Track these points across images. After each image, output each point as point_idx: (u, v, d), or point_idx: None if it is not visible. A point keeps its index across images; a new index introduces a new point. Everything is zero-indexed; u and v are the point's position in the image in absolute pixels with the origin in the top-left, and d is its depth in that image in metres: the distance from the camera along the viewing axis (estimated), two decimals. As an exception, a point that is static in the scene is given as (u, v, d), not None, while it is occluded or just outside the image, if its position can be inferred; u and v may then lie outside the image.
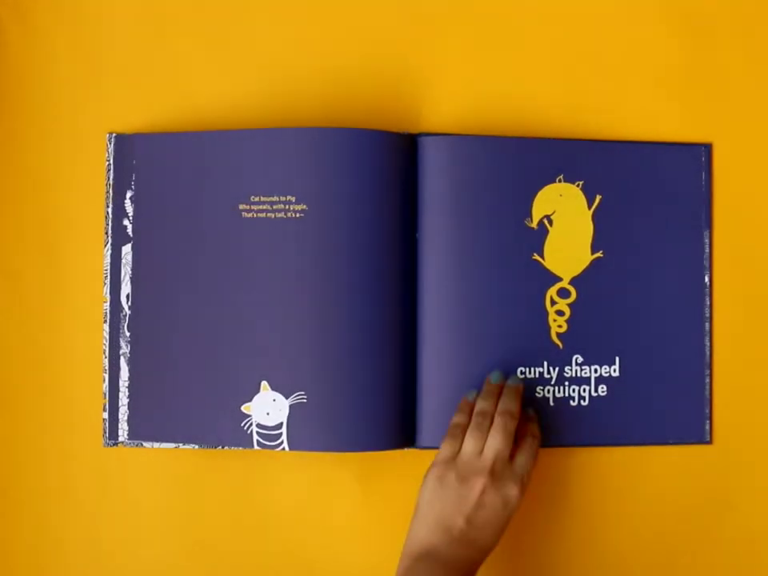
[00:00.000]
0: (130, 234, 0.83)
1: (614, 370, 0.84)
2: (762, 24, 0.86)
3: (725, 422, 0.85)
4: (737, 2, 0.86)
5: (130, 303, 0.83)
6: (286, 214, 0.81)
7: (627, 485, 0.85)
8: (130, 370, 0.82)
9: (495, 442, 0.76)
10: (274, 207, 0.81)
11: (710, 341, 0.85)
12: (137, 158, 0.83)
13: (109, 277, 0.83)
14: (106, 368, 0.83)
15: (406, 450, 0.83)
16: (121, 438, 0.82)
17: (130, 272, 0.83)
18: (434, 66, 0.86)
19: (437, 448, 0.81)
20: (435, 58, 0.86)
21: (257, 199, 0.81)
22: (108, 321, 0.83)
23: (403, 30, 0.86)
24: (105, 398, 0.83)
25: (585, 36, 0.86)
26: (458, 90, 0.86)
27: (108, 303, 0.83)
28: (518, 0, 0.86)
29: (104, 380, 0.83)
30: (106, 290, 0.83)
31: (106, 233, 0.83)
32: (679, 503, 0.85)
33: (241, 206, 0.81)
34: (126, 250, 0.83)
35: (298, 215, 0.81)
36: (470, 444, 0.76)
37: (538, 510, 0.85)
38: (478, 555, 0.75)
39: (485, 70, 0.86)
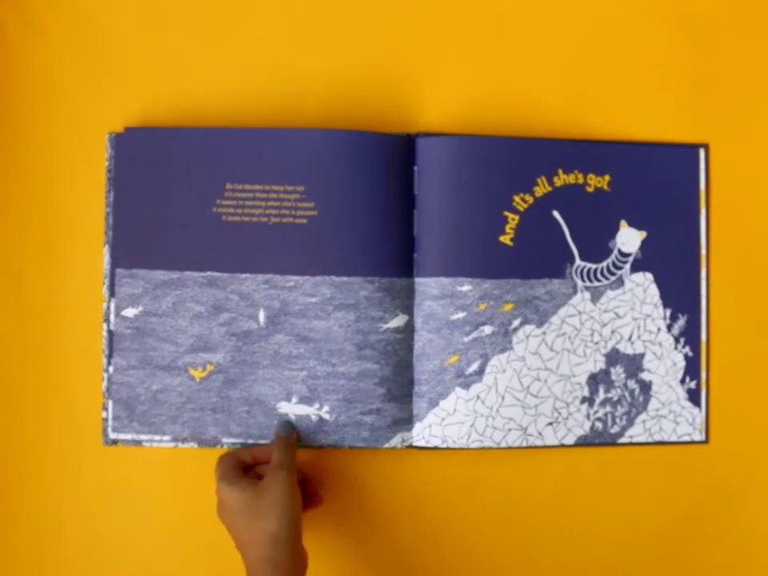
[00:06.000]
0: None
1: None
2: (760, 26, 0.87)
3: (721, 421, 0.86)
4: (735, 4, 0.87)
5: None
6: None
7: (625, 484, 0.86)
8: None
9: None
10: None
11: (707, 339, 0.86)
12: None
13: (109, 276, 0.83)
14: (106, 367, 0.83)
15: (405, 449, 0.83)
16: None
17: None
18: (433, 66, 0.86)
19: (435, 448, 0.82)
20: (434, 58, 0.86)
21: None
22: (108, 320, 0.83)
23: (403, 31, 0.86)
24: (104, 397, 0.83)
25: (583, 37, 0.87)
26: (457, 89, 0.86)
27: (108, 303, 0.83)
28: (516, 0, 0.87)
29: (104, 379, 0.83)
30: (106, 289, 0.83)
31: (106, 232, 0.83)
32: (676, 502, 0.86)
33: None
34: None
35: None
36: None
37: (537, 509, 0.85)
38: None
39: (484, 69, 0.86)
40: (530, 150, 0.84)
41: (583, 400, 0.84)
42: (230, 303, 0.82)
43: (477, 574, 0.85)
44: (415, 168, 0.83)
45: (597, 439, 0.85)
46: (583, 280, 0.85)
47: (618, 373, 0.85)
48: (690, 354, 0.86)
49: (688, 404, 0.86)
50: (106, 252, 0.83)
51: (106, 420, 0.83)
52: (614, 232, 0.85)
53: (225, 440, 0.82)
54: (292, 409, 0.81)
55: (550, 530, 0.85)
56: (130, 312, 0.82)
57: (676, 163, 0.86)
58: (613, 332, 0.85)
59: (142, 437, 0.82)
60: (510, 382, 0.83)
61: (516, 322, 0.84)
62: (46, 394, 0.85)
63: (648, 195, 0.85)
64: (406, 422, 0.83)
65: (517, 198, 0.84)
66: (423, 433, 0.83)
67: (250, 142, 0.82)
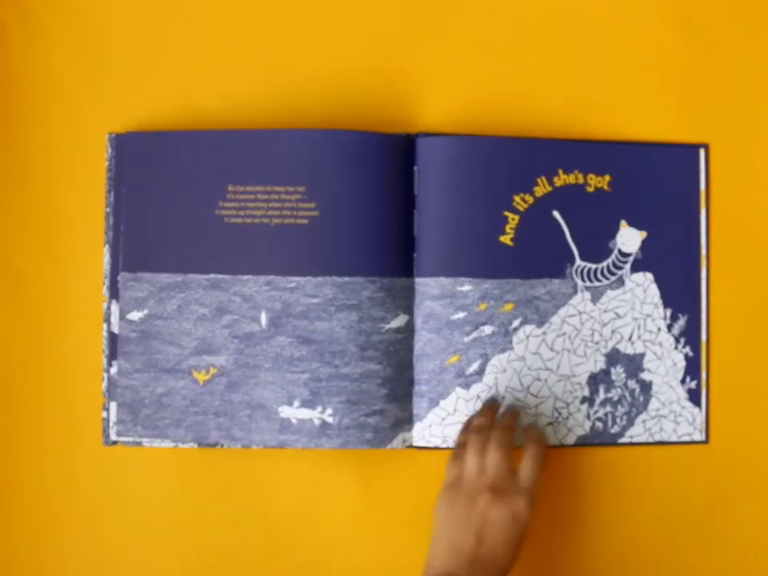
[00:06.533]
0: None
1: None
2: (759, 26, 0.87)
3: (721, 421, 0.86)
4: (735, 4, 0.87)
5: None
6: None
7: (625, 484, 0.86)
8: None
9: (493, 457, 0.76)
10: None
11: (707, 339, 0.86)
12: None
13: (109, 277, 0.83)
14: (106, 368, 0.83)
15: (405, 450, 0.83)
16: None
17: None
18: (433, 66, 0.86)
19: (435, 448, 0.82)
20: (434, 58, 0.86)
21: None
22: (108, 321, 0.83)
23: (403, 31, 0.86)
24: (104, 397, 0.83)
25: (583, 37, 0.87)
26: (457, 89, 0.86)
27: (108, 303, 0.83)
28: (516, 0, 0.87)
29: (104, 380, 0.83)
30: (106, 289, 0.83)
31: (106, 233, 0.83)
32: (676, 502, 0.86)
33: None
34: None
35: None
36: (470, 463, 0.76)
37: (537, 509, 0.85)
38: None
39: (484, 69, 0.86)
40: (530, 150, 0.84)
41: (583, 400, 0.85)
42: (232, 305, 0.82)
43: None
44: (415, 168, 0.83)
45: (597, 439, 0.85)
46: (583, 280, 0.85)
47: (618, 373, 0.85)
48: (690, 353, 0.86)
49: (688, 404, 0.86)
50: (106, 252, 0.83)
51: (106, 420, 0.83)
52: (614, 232, 0.85)
53: (226, 444, 0.82)
54: (294, 413, 0.81)
55: (550, 530, 0.85)
56: (135, 315, 0.82)
57: (676, 163, 0.86)
58: (613, 332, 0.85)
59: (144, 440, 0.82)
60: (510, 381, 0.84)
61: (516, 322, 0.84)
62: (45, 394, 0.85)
63: (648, 195, 0.86)
64: (406, 422, 0.83)
65: (517, 198, 0.84)
66: (423, 433, 0.83)
67: (251, 143, 0.82)
